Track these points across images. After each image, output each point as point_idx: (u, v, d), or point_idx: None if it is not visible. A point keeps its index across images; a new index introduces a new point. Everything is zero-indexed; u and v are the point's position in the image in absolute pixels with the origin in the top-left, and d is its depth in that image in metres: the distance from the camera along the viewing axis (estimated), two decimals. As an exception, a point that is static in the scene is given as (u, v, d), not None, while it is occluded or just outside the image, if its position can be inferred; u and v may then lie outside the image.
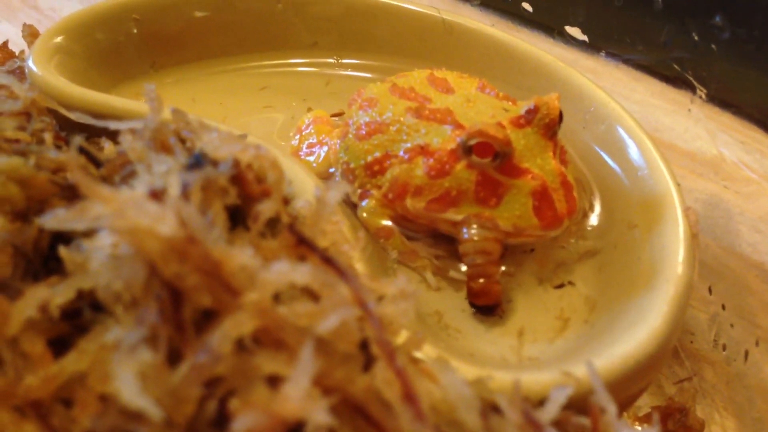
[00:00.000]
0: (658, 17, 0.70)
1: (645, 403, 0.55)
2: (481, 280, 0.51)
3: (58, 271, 0.38)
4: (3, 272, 0.38)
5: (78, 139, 0.39)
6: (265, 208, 0.39)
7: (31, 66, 0.61)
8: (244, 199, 0.41)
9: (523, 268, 0.56)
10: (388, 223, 0.57)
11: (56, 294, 0.35)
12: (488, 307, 0.52)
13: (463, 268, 0.54)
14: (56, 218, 0.34)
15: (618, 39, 0.77)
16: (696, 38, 0.66)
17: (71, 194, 0.43)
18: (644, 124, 0.61)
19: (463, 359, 0.42)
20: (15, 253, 0.39)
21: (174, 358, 0.32)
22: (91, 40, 0.69)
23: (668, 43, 0.71)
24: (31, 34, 0.77)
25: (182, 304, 0.33)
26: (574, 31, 0.80)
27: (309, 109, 0.72)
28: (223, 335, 0.32)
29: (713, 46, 0.65)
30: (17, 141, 0.48)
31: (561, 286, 0.54)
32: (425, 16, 0.77)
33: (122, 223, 0.32)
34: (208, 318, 0.34)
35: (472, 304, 0.52)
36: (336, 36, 0.80)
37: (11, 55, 0.75)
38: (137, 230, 0.32)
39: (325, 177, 0.61)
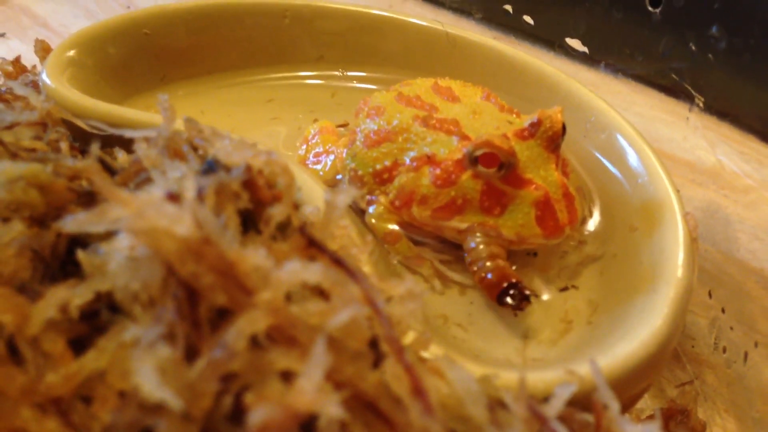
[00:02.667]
0: (657, 29, 0.72)
1: (647, 405, 0.56)
2: (492, 267, 0.52)
3: (75, 275, 0.39)
4: (22, 275, 0.40)
5: (96, 146, 0.40)
6: (277, 212, 0.40)
7: (44, 79, 0.62)
8: (255, 204, 0.42)
9: (527, 271, 0.57)
10: (395, 228, 0.58)
11: (75, 295, 0.37)
12: (516, 295, 0.52)
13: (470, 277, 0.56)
14: (76, 221, 0.35)
15: (617, 51, 0.78)
16: (693, 48, 0.67)
17: (87, 201, 0.45)
18: (644, 135, 0.63)
19: (468, 360, 0.43)
20: (34, 257, 0.41)
21: (191, 354, 0.33)
22: (103, 54, 0.70)
23: (666, 54, 0.72)
24: (43, 49, 0.78)
25: (198, 303, 0.34)
26: (575, 43, 0.81)
27: (315, 120, 0.73)
28: (238, 332, 0.33)
29: (710, 55, 0.66)
30: (34, 150, 0.49)
31: (565, 289, 0.55)
32: (429, 30, 0.79)
33: (141, 223, 0.33)
34: (222, 317, 0.35)
35: (500, 298, 0.52)
36: (341, 50, 0.82)
37: (24, 69, 0.77)
38: (155, 231, 0.33)
39: (332, 185, 0.63)
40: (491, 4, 0.87)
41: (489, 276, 0.52)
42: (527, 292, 0.51)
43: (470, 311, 0.54)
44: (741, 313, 0.60)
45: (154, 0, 1.19)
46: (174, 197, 0.35)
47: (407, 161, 0.57)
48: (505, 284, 0.51)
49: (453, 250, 0.58)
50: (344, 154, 0.63)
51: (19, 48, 1.06)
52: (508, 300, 0.51)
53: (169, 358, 0.32)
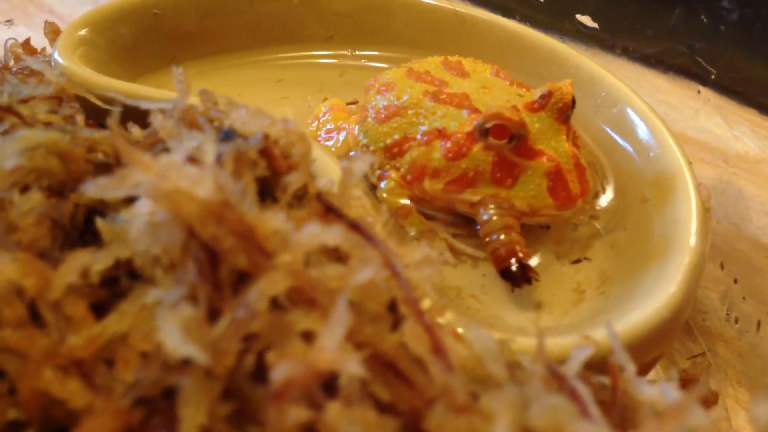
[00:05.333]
0: (668, 1, 0.72)
1: (659, 377, 0.56)
2: (505, 241, 0.52)
3: (92, 244, 0.40)
4: (42, 243, 0.40)
5: (117, 113, 0.40)
6: (294, 179, 0.40)
7: (56, 57, 0.63)
8: (271, 172, 0.42)
9: (540, 244, 0.57)
10: (406, 202, 0.58)
11: (96, 261, 0.37)
12: (519, 275, 0.52)
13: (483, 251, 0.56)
14: (97, 186, 0.36)
15: (628, 27, 0.78)
16: (705, 21, 0.67)
17: (104, 172, 0.45)
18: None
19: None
20: (53, 226, 0.41)
21: (213, 315, 0.33)
22: (114, 33, 0.71)
23: (677, 27, 0.72)
24: (52, 31, 0.78)
25: (219, 266, 0.35)
26: (585, 20, 0.81)
27: (324, 99, 0.74)
28: (259, 293, 0.33)
29: (722, 27, 0.66)
30: (49, 123, 0.49)
31: (577, 261, 0.55)
32: (438, 9, 0.79)
33: (164, 185, 0.33)
34: (242, 280, 0.35)
35: (504, 273, 0.52)
36: (350, 29, 0.82)
37: (34, 51, 0.77)
38: (177, 194, 0.34)
39: (345, 161, 0.63)
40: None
41: (500, 249, 0.52)
42: (531, 274, 0.52)
43: (483, 283, 0.54)
44: (752, 286, 0.60)
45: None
46: (194, 160, 0.35)
47: (418, 136, 0.58)
48: (512, 259, 0.52)
49: (464, 223, 0.58)
50: (356, 131, 0.63)
51: (26, 34, 1.07)
52: (510, 276, 0.52)
53: (192, 317, 0.32)
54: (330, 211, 0.40)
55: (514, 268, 0.51)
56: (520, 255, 0.52)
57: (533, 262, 0.56)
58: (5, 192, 0.39)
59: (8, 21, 1.12)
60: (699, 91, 0.72)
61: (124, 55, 0.72)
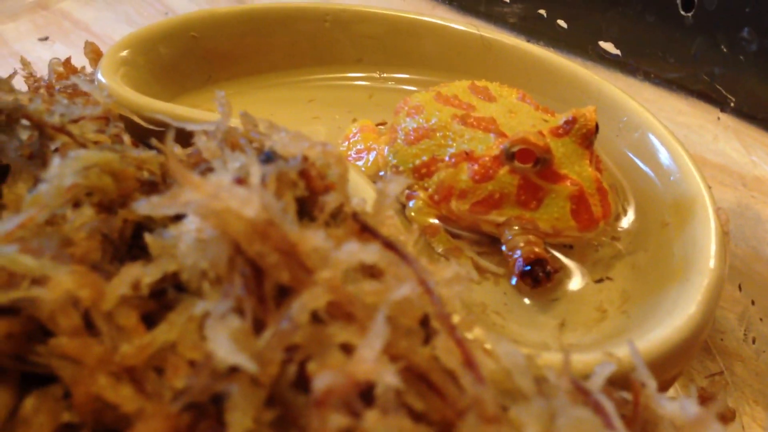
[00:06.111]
0: (689, 32, 0.74)
1: (677, 395, 0.58)
2: (524, 248, 0.54)
3: (140, 257, 0.42)
4: (94, 256, 0.42)
5: (172, 134, 0.43)
6: (332, 199, 0.43)
7: (100, 77, 0.66)
8: (309, 193, 0.45)
9: (563, 264, 0.59)
10: (434, 221, 0.60)
11: (146, 274, 0.39)
12: (539, 271, 0.54)
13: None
14: (150, 204, 0.38)
15: (650, 54, 0.80)
16: (725, 50, 0.69)
17: (150, 189, 0.48)
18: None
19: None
20: (103, 240, 0.43)
21: (257, 327, 0.36)
22: (155, 54, 0.74)
23: (698, 56, 0.74)
24: (92, 51, 0.82)
25: (263, 280, 0.37)
26: (608, 46, 0.83)
27: (354, 120, 0.76)
28: (301, 307, 0.35)
29: (741, 57, 0.68)
30: (98, 143, 0.52)
31: (600, 281, 0.57)
32: (465, 34, 0.82)
33: (214, 205, 0.35)
34: (283, 295, 0.37)
35: (524, 274, 0.55)
36: (379, 52, 0.84)
37: (74, 70, 0.80)
38: (225, 213, 0.36)
39: (375, 180, 0.65)
40: (525, 8, 0.89)
41: (518, 257, 0.55)
42: (549, 268, 0.54)
43: (506, 300, 0.56)
44: (770, 308, 0.62)
45: (191, 3, 1.23)
46: (241, 181, 0.38)
47: (446, 158, 0.60)
48: (532, 258, 0.54)
49: (489, 242, 0.60)
50: (386, 151, 0.65)
51: (62, 51, 1.09)
52: (529, 274, 0.54)
53: (239, 328, 0.34)
54: (366, 230, 0.42)
55: (535, 267, 0.54)
56: (536, 250, 0.54)
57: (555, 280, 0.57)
58: (61, 208, 0.42)
59: (45, 38, 1.16)
60: (719, 117, 0.74)
61: (163, 75, 0.74)
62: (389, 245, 0.40)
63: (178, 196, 0.38)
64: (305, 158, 0.44)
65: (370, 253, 0.38)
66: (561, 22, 0.87)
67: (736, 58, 0.69)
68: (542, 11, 0.88)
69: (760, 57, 0.66)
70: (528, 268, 0.54)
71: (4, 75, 0.58)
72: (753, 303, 0.61)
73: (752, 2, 0.65)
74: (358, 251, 0.38)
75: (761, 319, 0.60)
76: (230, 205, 0.36)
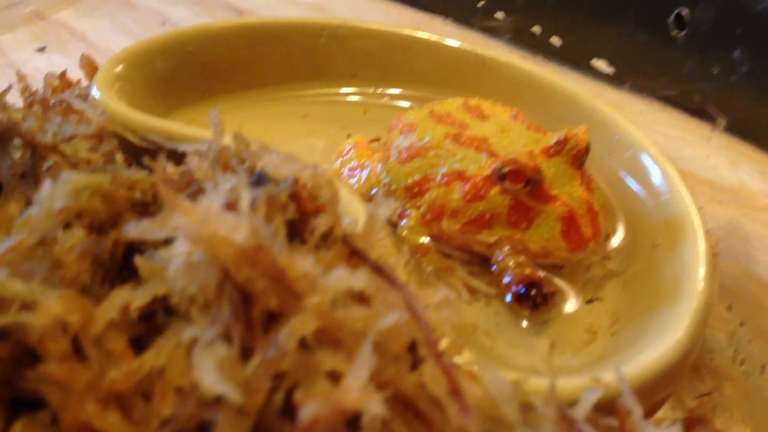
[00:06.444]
0: (681, 51, 0.74)
1: (667, 416, 0.58)
2: (515, 270, 0.55)
3: (130, 279, 0.42)
4: (84, 278, 0.42)
5: (163, 157, 0.43)
6: (322, 222, 0.43)
7: (94, 93, 0.66)
8: (299, 215, 0.45)
9: (558, 286, 0.59)
10: (425, 240, 0.60)
11: (135, 297, 0.39)
12: (537, 294, 0.54)
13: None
14: (139, 228, 0.38)
15: (643, 72, 0.81)
16: (717, 71, 0.70)
17: (141, 210, 0.48)
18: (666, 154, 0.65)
19: (498, 366, 0.46)
20: (93, 262, 0.43)
21: (245, 354, 0.36)
22: (151, 68, 0.74)
23: (690, 76, 0.75)
24: (88, 64, 0.82)
25: (251, 306, 0.37)
26: (601, 64, 0.84)
27: (348, 136, 0.76)
28: (289, 333, 0.36)
29: (733, 78, 0.69)
30: (90, 162, 0.52)
31: (590, 301, 0.58)
32: (459, 50, 0.82)
33: (203, 231, 0.36)
34: (271, 320, 0.38)
35: (519, 298, 0.55)
36: (375, 68, 0.84)
37: (69, 84, 0.80)
38: (215, 238, 0.36)
39: (367, 198, 0.66)
40: (520, 24, 0.90)
41: (509, 279, 0.55)
42: (546, 292, 0.54)
43: (497, 321, 0.56)
44: (759, 327, 0.62)
45: (190, 13, 1.23)
46: (231, 206, 0.38)
47: (438, 177, 0.60)
48: (525, 281, 0.54)
49: (480, 262, 0.61)
50: (378, 169, 0.65)
51: (59, 61, 1.10)
52: (525, 298, 0.54)
53: (226, 356, 0.34)
54: (355, 254, 0.42)
55: (531, 291, 0.54)
56: (527, 272, 0.54)
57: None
58: (52, 231, 0.42)
59: (41, 48, 1.16)
60: (710, 136, 0.74)
61: (158, 90, 0.74)
62: (378, 270, 0.41)
63: (168, 221, 0.38)
64: (296, 180, 0.44)
65: (359, 279, 0.38)
66: (555, 39, 0.88)
67: (727, 78, 0.69)
68: (536, 28, 0.89)
69: (752, 77, 0.67)
70: (524, 290, 0.54)
71: (1, 85, 0.59)
72: (742, 324, 0.61)
73: (744, 23, 0.66)
74: (347, 277, 0.38)
75: (750, 341, 0.60)
76: (219, 231, 0.36)
